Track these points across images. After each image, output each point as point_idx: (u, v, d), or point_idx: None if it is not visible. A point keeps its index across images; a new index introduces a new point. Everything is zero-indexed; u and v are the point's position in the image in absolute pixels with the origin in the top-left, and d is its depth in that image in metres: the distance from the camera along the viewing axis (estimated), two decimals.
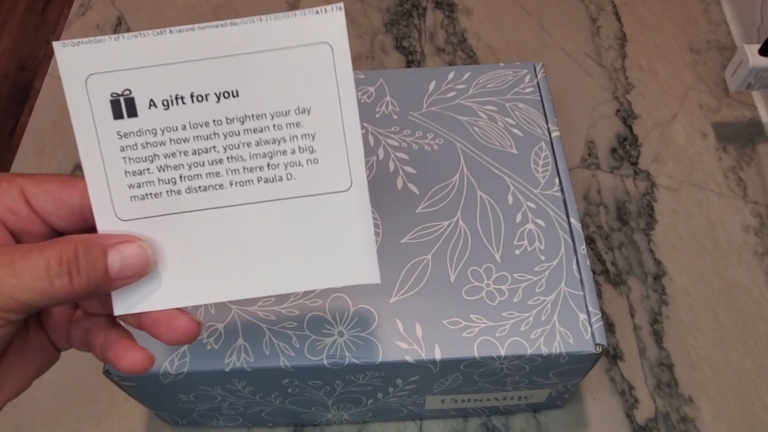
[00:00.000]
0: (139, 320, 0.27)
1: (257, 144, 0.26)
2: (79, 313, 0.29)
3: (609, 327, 0.49)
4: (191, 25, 0.25)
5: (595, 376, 0.47)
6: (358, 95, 0.46)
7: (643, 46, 0.63)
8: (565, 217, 0.40)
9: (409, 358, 0.36)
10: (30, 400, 0.47)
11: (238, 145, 0.26)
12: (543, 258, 0.39)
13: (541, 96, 0.45)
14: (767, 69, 0.50)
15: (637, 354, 0.48)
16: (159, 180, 0.26)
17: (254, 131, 0.26)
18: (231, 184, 0.27)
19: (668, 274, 0.51)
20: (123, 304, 0.27)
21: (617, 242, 0.53)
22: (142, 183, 0.26)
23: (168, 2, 0.67)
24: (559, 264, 0.39)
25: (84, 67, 0.25)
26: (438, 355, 0.36)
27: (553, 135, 0.43)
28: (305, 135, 0.26)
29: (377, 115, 0.45)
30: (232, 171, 0.27)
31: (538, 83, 0.46)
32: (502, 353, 0.36)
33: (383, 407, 0.43)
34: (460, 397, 0.42)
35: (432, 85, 0.46)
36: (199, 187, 0.27)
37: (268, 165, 0.27)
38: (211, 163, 0.26)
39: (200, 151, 0.26)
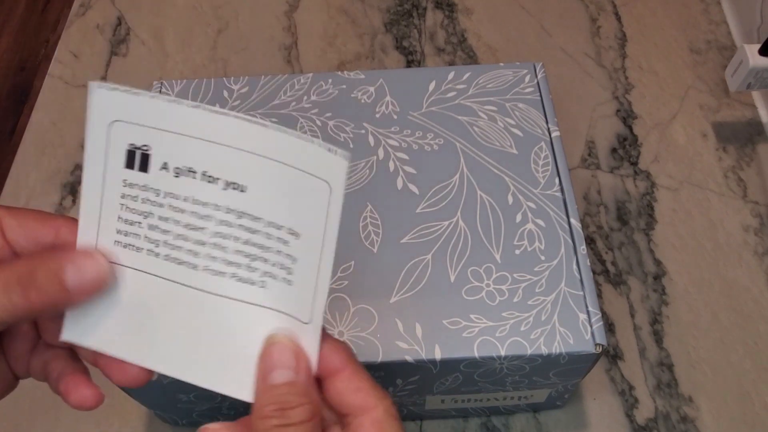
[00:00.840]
0: (94, 357, 0.28)
1: (245, 242, 0.27)
2: (42, 344, 0.29)
3: (609, 327, 0.49)
4: (225, 110, 0.26)
5: (595, 376, 0.47)
6: (358, 95, 0.46)
7: (643, 46, 0.63)
8: (565, 217, 0.40)
9: (409, 358, 0.36)
10: (30, 400, 0.47)
11: (227, 236, 0.27)
12: (543, 258, 0.39)
13: (541, 96, 0.45)
14: (767, 69, 0.50)
15: (637, 354, 0.48)
16: (145, 237, 0.27)
17: (247, 229, 0.27)
18: (205, 268, 0.27)
19: (668, 274, 0.51)
20: (71, 332, 0.27)
21: (617, 242, 0.53)
22: (129, 233, 0.27)
23: (168, 2, 0.67)
24: (559, 264, 0.39)
25: (112, 111, 0.26)
26: (438, 355, 0.36)
27: (553, 135, 0.43)
28: (288, 255, 0.27)
29: (377, 115, 0.45)
30: (210, 257, 0.27)
31: (538, 83, 0.46)
32: (502, 353, 0.36)
33: None
34: (460, 397, 0.42)
35: (432, 85, 0.46)
36: (176, 259, 0.27)
37: (247, 266, 0.27)
38: (195, 242, 0.27)
39: (191, 227, 0.27)
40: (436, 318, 0.37)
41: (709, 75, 0.61)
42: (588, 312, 0.37)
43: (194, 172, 0.26)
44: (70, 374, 0.28)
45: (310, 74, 0.47)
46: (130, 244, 0.27)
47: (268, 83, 0.46)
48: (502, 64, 0.47)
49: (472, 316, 0.37)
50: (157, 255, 0.27)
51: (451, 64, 0.62)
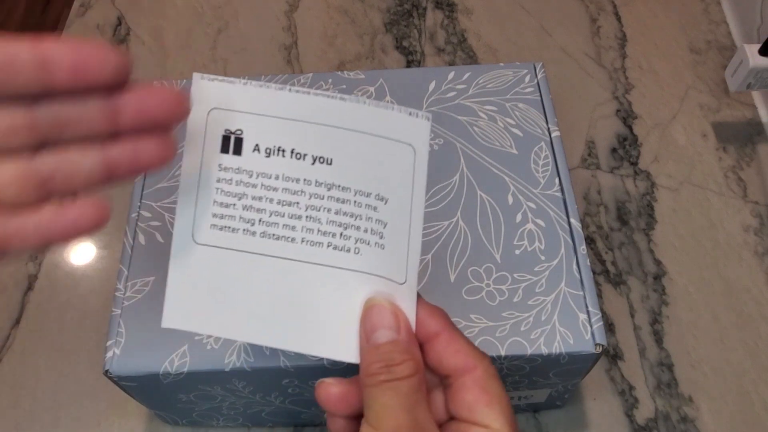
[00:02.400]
0: None
1: (336, 213, 0.28)
2: None
3: (609, 327, 0.49)
4: (307, 89, 0.27)
5: (595, 376, 0.47)
6: (358, 95, 0.45)
7: (643, 46, 0.63)
8: (565, 217, 0.40)
9: None
10: (30, 399, 0.47)
11: (320, 208, 0.28)
12: (543, 258, 0.39)
13: (541, 96, 0.45)
14: (767, 69, 0.50)
15: (637, 354, 0.48)
16: (240, 217, 0.28)
17: (337, 200, 0.28)
18: (302, 241, 0.28)
19: (668, 274, 0.51)
20: (171, 319, 0.29)
21: (617, 242, 0.53)
22: (225, 215, 0.28)
23: (168, 2, 0.67)
24: (559, 264, 0.39)
25: (212, 100, 0.27)
26: None
27: (553, 135, 0.43)
28: (379, 221, 0.28)
29: None
30: (307, 230, 0.28)
31: (538, 83, 0.46)
32: (502, 353, 0.36)
33: None
34: None
35: (432, 85, 0.46)
36: (273, 234, 0.28)
37: (341, 234, 0.28)
38: (290, 216, 0.28)
39: (284, 203, 0.28)
40: None
41: (709, 75, 0.61)
42: (588, 312, 0.37)
43: (283, 150, 0.28)
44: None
45: (310, 74, 0.47)
46: (226, 226, 0.28)
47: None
48: (502, 64, 0.47)
49: (472, 316, 0.37)
50: (253, 234, 0.28)
51: (451, 64, 0.62)
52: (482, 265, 0.39)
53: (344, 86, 0.46)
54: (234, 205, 0.28)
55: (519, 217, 0.40)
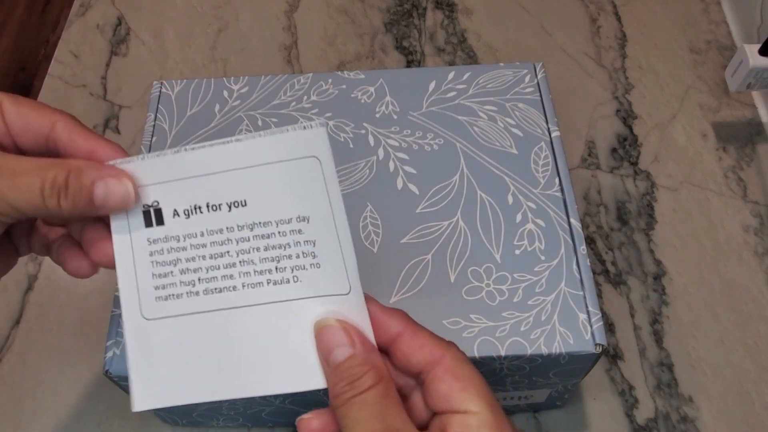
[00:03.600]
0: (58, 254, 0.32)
1: (266, 249, 0.29)
2: (39, 223, 0.33)
3: (609, 327, 0.49)
4: (203, 144, 0.28)
5: (595, 376, 0.47)
6: (358, 95, 0.46)
7: (643, 46, 0.63)
8: (565, 217, 0.40)
9: None
10: (30, 399, 0.47)
11: (249, 249, 0.29)
12: (543, 258, 0.39)
13: (541, 96, 0.45)
14: (767, 69, 0.50)
15: (637, 354, 0.48)
16: (180, 282, 0.29)
17: (262, 237, 0.29)
18: (243, 286, 0.29)
19: (668, 274, 0.51)
20: (142, 402, 0.29)
21: (617, 242, 0.53)
22: (166, 285, 0.29)
23: (168, 2, 0.67)
24: (559, 264, 0.39)
25: None
26: None
27: (553, 135, 0.43)
28: (307, 241, 0.29)
29: (377, 115, 0.45)
30: (244, 274, 0.29)
31: (538, 83, 0.46)
32: (502, 353, 0.36)
33: None
34: None
35: (432, 85, 0.46)
36: (215, 288, 0.29)
37: (276, 268, 0.29)
38: (225, 266, 0.29)
39: (216, 256, 0.29)
40: (436, 318, 0.37)
41: (709, 75, 0.61)
42: (588, 312, 0.37)
43: (199, 207, 0.29)
44: (69, 248, 0.31)
45: (310, 74, 0.47)
46: (170, 295, 0.29)
47: (268, 83, 0.46)
48: (502, 64, 0.47)
49: (472, 316, 0.37)
50: (197, 294, 0.29)
51: (451, 64, 0.62)
52: (482, 265, 0.39)
53: (344, 86, 0.46)
54: (171, 272, 0.29)
55: (519, 217, 0.40)
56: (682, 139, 0.58)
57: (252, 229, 0.29)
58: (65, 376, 0.48)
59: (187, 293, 0.29)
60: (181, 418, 0.44)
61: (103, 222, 0.30)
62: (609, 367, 0.48)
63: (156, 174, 0.29)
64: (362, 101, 0.45)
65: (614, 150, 0.57)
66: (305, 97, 0.45)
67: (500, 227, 0.40)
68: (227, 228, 0.29)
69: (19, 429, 0.46)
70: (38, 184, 0.27)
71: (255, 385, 0.29)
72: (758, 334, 0.49)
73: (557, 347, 0.36)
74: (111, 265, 0.29)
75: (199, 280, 0.29)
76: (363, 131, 0.44)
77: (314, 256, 0.29)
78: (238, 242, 0.29)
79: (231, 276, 0.29)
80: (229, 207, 0.29)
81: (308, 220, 0.28)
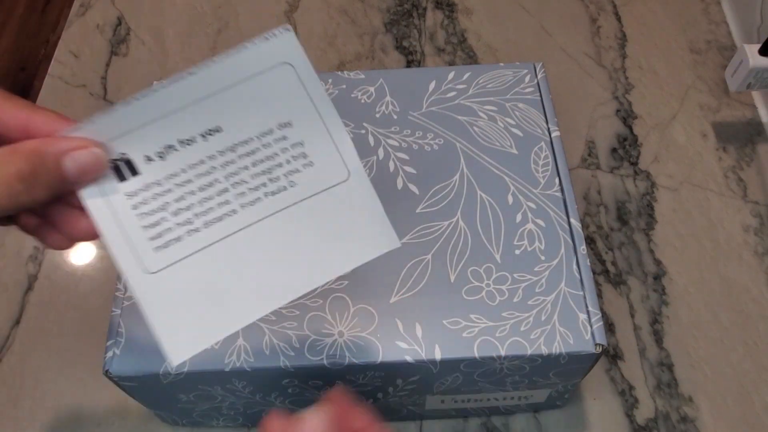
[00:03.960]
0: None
1: (254, 164, 0.29)
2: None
3: (609, 327, 0.49)
4: (167, 81, 0.27)
5: (595, 376, 0.47)
6: (358, 95, 0.46)
7: (643, 46, 0.63)
8: (565, 217, 0.40)
9: (409, 358, 0.36)
10: (30, 399, 0.47)
11: (237, 171, 0.29)
12: (543, 258, 0.39)
13: (541, 96, 0.45)
14: (767, 69, 0.50)
15: (637, 354, 0.48)
16: (176, 224, 0.28)
17: (247, 155, 0.29)
18: (242, 206, 0.29)
19: (668, 274, 0.51)
20: (177, 355, 0.28)
21: (617, 242, 0.53)
22: (162, 232, 0.28)
23: (168, 2, 0.67)
24: (559, 264, 0.39)
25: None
26: (438, 355, 0.36)
27: (553, 135, 0.43)
28: (294, 144, 0.29)
29: (377, 115, 0.45)
30: (239, 195, 0.29)
31: (538, 83, 0.46)
32: (502, 353, 0.36)
33: (383, 407, 0.43)
34: (460, 397, 0.42)
35: (432, 85, 0.46)
36: (215, 218, 0.29)
37: (270, 180, 0.29)
38: (219, 193, 0.29)
39: (205, 187, 0.28)
40: (436, 318, 0.37)
41: (709, 75, 0.61)
42: (588, 312, 0.37)
43: (171, 145, 0.28)
44: (46, 226, 0.30)
45: None
46: (169, 241, 0.28)
47: None
48: (502, 64, 0.47)
49: (472, 316, 0.37)
50: (197, 230, 0.28)
51: (451, 64, 0.62)
52: (482, 265, 0.39)
53: (344, 86, 0.46)
54: (164, 218, 0.28)
55: (519, 217, 0.40)
56: (682, 139, 0.58)
57: (234, 150, 0.28)
58: (65, 376, 0.48)
59: (187, 233, 0.28)
60: (181, 418, 0.44)
61: (64, 200, 0.29)
62: (609, 367, 0.48)
63: (114, 128, 0.27)
64: (362, 101, 0.45)
65: (614, 150, 0.57)
66: None
67: (500, 227, 0.40)
68: (208, 157, 0.28)
69: (19, 429, 0.46)
70: (5, 182, 0.25)
71: (282, 293, 0.29)
72: (758, 334, 0.49)
73: (557, 347, 0.36)
74: (91, 237, 0.29)
75: (195, 215, 0.28)
76: (363, 131, 0.44)
77: (305, 156, 0.29)
78: (224, 166, 0.28)
79: (227, 201, 0.29)
80: (204, 136, 0.28)
81: (291, 125, 0.28)
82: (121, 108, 0.27)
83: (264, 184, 0.29)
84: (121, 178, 0.28)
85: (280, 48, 0.28)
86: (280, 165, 0.29)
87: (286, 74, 0.28)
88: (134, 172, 0.28)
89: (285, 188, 0.29)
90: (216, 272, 0.29)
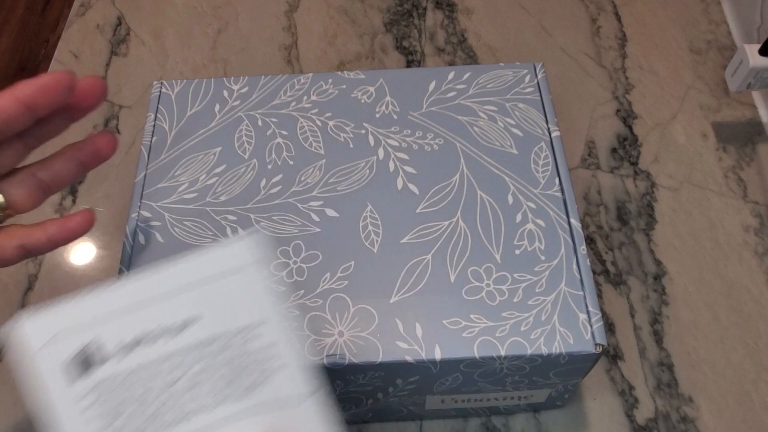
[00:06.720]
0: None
1: (227, 363, 0.27)
2: None
3: (609, 327, 0.49)
4: (143, 274, 0.26)
5: (595, 376, 0.47)
6: (358, 95, 0.46)
7: (643, 46, 0.63)
8: (565, 217, 0.40)
9: (409, 358, 0.36)
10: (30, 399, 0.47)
11: (209, 367, 0.27)
12: (543, 258, 0.39)
13: (541, 96, 0.45)
14: (767, 69, 0.50)
15: (637, 354, 0.48)
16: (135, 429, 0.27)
17: (216, 354, 0.27)
18: (202, 408, 0.27)
19: (668, 274, 0.51)
20: None
21: (617, 242, 0.53)
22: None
23: (168, 2, 0.67)
24: (559, 264, 0.39)
25: (33, 339, 0.27)
26: (438, 355, 0.36)
27: (553, 135, 0.43)
28: (270, 344, 0.28)
29: (377, 115, 0.45)
30: (203, 395, 0.27)
31: (538, 83, 0.46)
32: (502, 353, 0.36)
33: (383, 407, 0.43)
34: (460, 397, 0.42)
35: (432, 85, 0.46)
36: (177, 418, 0.27)
37: (232, 381, 0.28)
38: (182, 391, 0.27)
39: (169, 384, 0.27)
40: (436, 318, 0.37)
41: (709, 75, 0.61)
42: (588, 312, 0.37)
43: (139, 342, 0.26)
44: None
45: (310, 74, 0.47)
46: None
47: (268, 83, 0.46)
48: (502, 64, 0.47)
49: (472, 316, 0.37)
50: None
51: (451, 64, 0.62)
52: (482, 265, 0.39)
53: (344, 86, 0.46)
54: (119, 416, 0.26)
55: (519, 217, 0.40)
56: (682, 139, 0.58)
57: (200, 348, 0.27)
58: None
59: None
60: None
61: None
62: (609, 367, 0.48)
63: (72, 319, 0.26)
64: (362, 101, 0.45)
65: (614, 150, 0.57)
66: (305, 97, 0.45)
67: (500, 227, 0.40)
68: (181, 350, 0.27)
69: (19, 429, 0.46)
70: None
71: None
72: (758, 334, 0.49)
73: (557, 347, 0.36)
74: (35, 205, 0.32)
75: (152, 415, 0.26)
76: (363, 131, 0.44)
77: (279, 357, 0.28)
78: (191, 365, 0.27)
79: (193, 398, 0.27)
80: (180, 331, 0.27)
81: (265, 324, 0.28)
82: (86, 300, 0.26)
83: (235, 380, 0.27)
84: (72, 378, 0.26)
85: (245, 251, 0.27)
86: (256, 362, 0.28)
87: (254, 275, 0.27)
88: (88, 369, 0.26)
89: (257, 385, 0.28)
90: None
